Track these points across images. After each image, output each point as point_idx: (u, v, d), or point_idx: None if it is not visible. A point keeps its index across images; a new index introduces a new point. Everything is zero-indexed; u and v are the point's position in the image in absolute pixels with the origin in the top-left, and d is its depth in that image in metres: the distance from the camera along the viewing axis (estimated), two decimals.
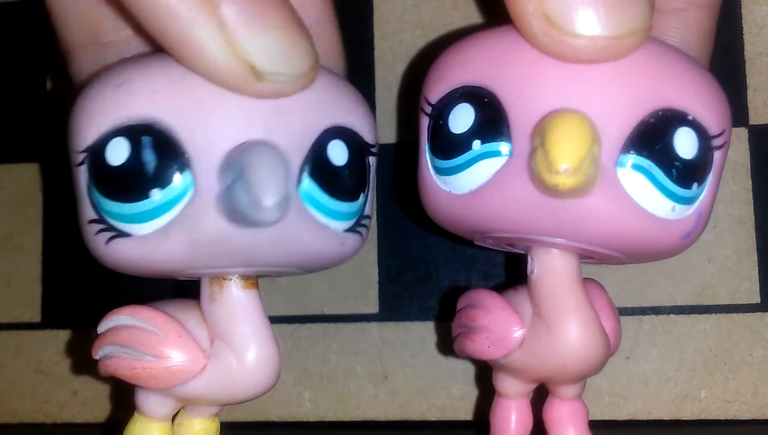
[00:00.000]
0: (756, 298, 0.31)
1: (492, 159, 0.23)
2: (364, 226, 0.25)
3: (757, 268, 0.31)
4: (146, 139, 0.22)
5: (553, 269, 0.24)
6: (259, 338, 0.24)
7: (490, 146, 0.23)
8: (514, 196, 0.22)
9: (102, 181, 0.22)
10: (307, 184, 0.23)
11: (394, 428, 0.33)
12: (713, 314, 0.31)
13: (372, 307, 0.33)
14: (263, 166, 0.21)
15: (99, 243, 0.23)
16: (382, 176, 0.33)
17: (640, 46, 0.22)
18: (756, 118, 0.32)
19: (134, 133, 0.22)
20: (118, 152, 0.22)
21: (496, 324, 0.25)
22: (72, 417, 0.35)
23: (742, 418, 0.31)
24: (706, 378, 0.31)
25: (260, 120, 0.22)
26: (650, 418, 0.32)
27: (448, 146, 0.24)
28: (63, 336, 0.35)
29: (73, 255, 0.35)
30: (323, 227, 0.23)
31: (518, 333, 0.25)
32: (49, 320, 0.35)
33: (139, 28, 0.23)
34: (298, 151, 0.23)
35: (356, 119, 0.24)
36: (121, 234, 0.23)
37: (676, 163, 0.22)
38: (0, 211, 0.36)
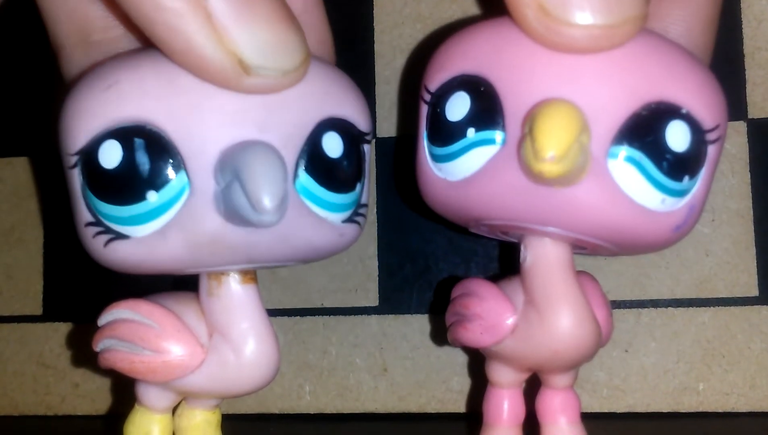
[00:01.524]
0: (754, 291, 0.31)
1: (486, 147, 0.23)
2: (362, 214, 0.25)
3: (755, 261, 0.31)
4: (138, 141, 0.22)
5: (545, 257, 0.25)
6: (257, 333, 0.24)
7: (484, 134, 0.23)
8: (505, 184, 0.23)
9: (96, 184, 0.22)
10: (304, 178, 0.23)
11: (394, 420, 0.33)
12: (711, 307, 0.32)
13: (372, 300, 0.33)
14: (261, 167, 0.21)
15: (97, 245, 0.23)
16: (382, 170, 0.33)
17: (636, 39, 0.22)
18: (755, 111, 0.32)
19: (126, 135, 0.22)
20: (110, 155, 0.22)
21: (489, 312, 0.26)
22: (73, 409, 0.35)
23: (740, 411, 0.31)
24: (705, 371, 0.31)
25: (253, 117, 0.22)
26: (649, 411, 0.32)
27: (445, 133, 0.24)
28: (64, 329, 0.35)
29: (74, 248, 0.35)
30: (322, 220, 0.23)
31: (510, 320, 0.25)
32: (51, 313, 0.36)
33: (129, 22, 0.23)
34: (292, 146, 0.22)
35: (349, 109, 0.24)
36: (120, 236, 0.23)
37: (668, 156, 0.22)
38: (2, 204, 0.36)
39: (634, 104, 0.22)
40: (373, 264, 0.33)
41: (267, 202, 0.20)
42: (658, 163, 0.22)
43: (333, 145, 0.23)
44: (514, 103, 0.23)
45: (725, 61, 0.32)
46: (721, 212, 0.32)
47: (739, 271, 0.31)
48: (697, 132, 0.23)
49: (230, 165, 0.21)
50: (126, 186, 0.22)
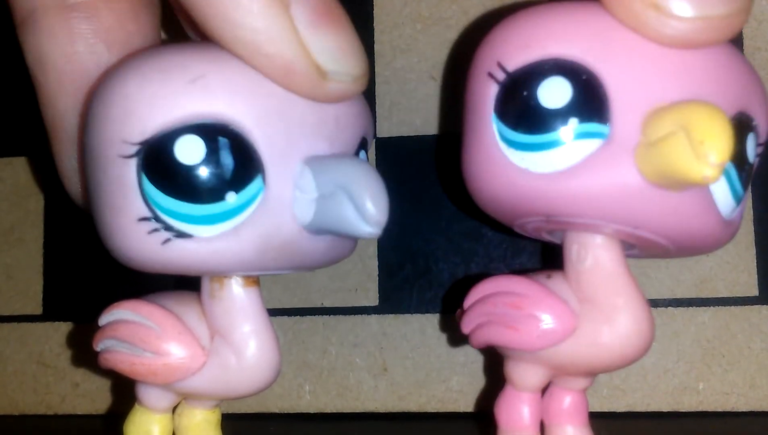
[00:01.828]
0: (754, 291, 0.31)
1: (588, 140, 0.22)
2: None
3: (755, 261, 0.31)
4: (223, 141, 0.21)
5: (609, 259, 0.24)
6: (258, 336, 0.24)
7: (589, 127, 0.22)
8: (608, 181, 0.21)
9: (167, 178, 0.21)
10: None
11: (394, 420, 0.33)
12: (711, 307, 0.32)
13: (372, 299, 0.33)
14: (373, 182, 0.21)
15: (151, 243, 0.22)
16: (382, 170, 0.33)
17: (727, 47, 0.22)
18: None
19: (210, 132, 0.21)
20: (191, 150, 0.21)
21: (549, 313, 0.24)
22: (73, 409, 0.35)
23: (739, 410, 0.31)
24: (704, 370, 0.31)
25: (326, 130, 0.22)
26: (649, 410, 0.32)
27: (536, 120, 0.22)
28: (64, 328, 0.35)
29: (74, 247, 0.35)
30: None
31: (571, 322, 0.24)
32: (51, 312, 0.36)
33: (193, 25, 0.23)
34: None
35: (371, 128, 0.25)
36: (182, 235, 0.22)
37: (746, 166, 0.22)
38: (1, 203, 0.36)
39: (732, 111, 0.22)
40: (373, 263, 0.34)
41: (379, 215, 0.21)
42: (740, 174, 0.22)
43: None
44: (623, 99, 0.21)
45: None
46: None
47: (739, 270, 0.31)
48: (758, 145, 0.23)
49: (333, 176, 0.21)
50: (205, 185, 0.21)
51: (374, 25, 0.34)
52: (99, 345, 0.26)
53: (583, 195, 0.22)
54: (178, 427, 0.27)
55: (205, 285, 0.25)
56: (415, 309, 0.33)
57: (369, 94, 0.33)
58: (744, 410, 0.31)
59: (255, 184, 0.22)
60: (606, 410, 0.32)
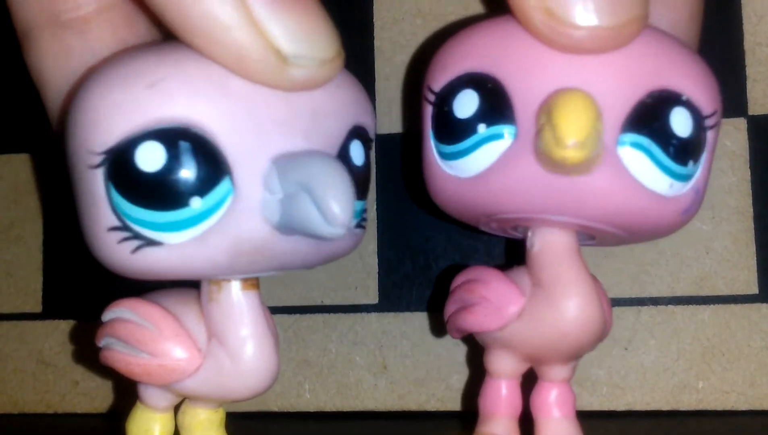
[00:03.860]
0: (754, 289, 0.31)
1: (496, 141, 0.23)
2: (365, 219, 0.25)
3: (755, 258, 0.31)
4: (185, 145, 0.21)
5: (553, 243, 0.25)
6: (255, 340, 0.24)
7: (495, 129, 0.23)
8: (519, 177, 0.23)
9: (131, 187, 0.21)
10: None
11: (394, 418, 0.33)
12: (711, 305, 0.32)
13: (371, 297, 0.33)
14: (336, 180, 0.20)
15: (122, 252, 0.22)
16: (382, 166, 0.33)
17: (649, 30, 0.23)
18: (755, 108, 0.32)
19: (171, 137, 0.21)
20: (151, 157, 0.21)
21: (496, 294, 0.26)
22: (73, 407, 0.35)
23: (739, 409, 0.31)
24: (704, 368, 0.31)
25: (299, 125, 0.21)
26: (648, 409, 0.32)
27: (454, 131, 0.24)
28: (64, 326, 0.35)
29: (74, 245, 0.35)
30: None
31: (517, 302, 0.25)
32: (51, 310, 0.36)
33: (154, 18, 0.23)
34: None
35: (368, 118, 0.24)
36: (151, 242, 0.21)
37: (673, 141, 0.23)
38: (1, 201, 0.36)
39: (639, 93, 0.23)
40: (373, 261, 0.33)
41: (342, 215, 0.20)
42: (665, 149, 0.23)
43: (358, 153, 0.23)
44: (523, 97, 0.23)
45: (725, 57, 0.32)
46: (721, 209, 0.32)
47: (739, 268, 0.31)
48: (698, 118, 0.23)
49: (296, 175, 0.21)
50: (168, 191, 0.21)
51: (374, 20, 0.34)
52: (101, 341, 0.26)
53: (498, 192, 0.24)
54: (181, 425, 0.27)
55: (204, 287, 0.24)
56: (415, 307, 0.33)
57: (369, 91, 0.33)
58: (744, 409, 0.31)
59: (222, 188, 0.21)
60: (605, 409, 0.32)
